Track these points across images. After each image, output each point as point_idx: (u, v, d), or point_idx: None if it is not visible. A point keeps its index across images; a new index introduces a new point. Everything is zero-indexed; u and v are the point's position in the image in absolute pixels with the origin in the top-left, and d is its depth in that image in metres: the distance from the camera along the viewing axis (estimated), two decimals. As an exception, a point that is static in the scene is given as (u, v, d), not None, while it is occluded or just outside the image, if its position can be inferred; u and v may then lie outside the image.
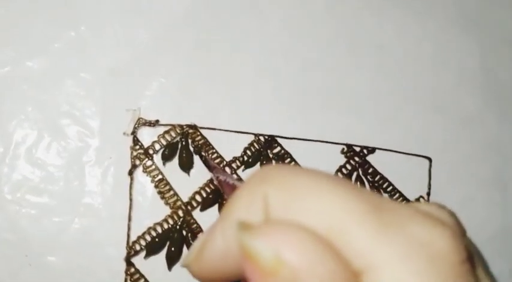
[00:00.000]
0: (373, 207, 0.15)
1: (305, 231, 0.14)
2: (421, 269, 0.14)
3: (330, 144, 0.36)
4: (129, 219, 0.32)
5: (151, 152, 0.34)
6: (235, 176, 0.21)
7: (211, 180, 0.34)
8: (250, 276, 0.13)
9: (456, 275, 0.14)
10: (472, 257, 0.16)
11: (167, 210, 0.33)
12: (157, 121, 0.34)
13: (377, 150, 0.37)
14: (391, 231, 0.14)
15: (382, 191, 0.37)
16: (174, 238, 0.33)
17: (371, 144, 0.37)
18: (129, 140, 0.33)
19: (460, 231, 0.16)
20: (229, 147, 0.35)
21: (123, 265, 0.32)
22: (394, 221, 0.14)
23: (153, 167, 0.34)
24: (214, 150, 0.35)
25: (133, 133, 0.34)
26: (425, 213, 0.15)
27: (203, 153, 0.33)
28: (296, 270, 0.13)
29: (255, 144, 0.35)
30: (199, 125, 0.34)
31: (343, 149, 0.37)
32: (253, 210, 0.15)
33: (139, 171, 0.33)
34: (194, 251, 0.17)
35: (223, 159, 0.35)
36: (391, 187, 0.37)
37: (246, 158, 0.35)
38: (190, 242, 0.33)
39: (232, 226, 0.15)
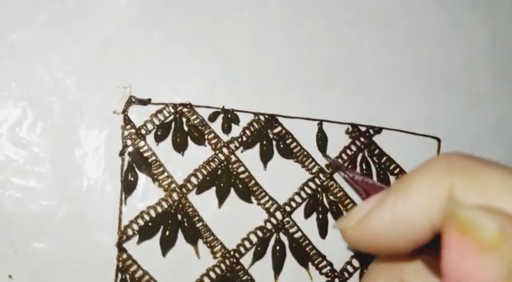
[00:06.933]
0: None
1: None
2: None
3: (333, 123, 0.34)
4: (121, 202, 0.31)
5: (143, 132, 0.32)
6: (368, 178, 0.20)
7: (207, 162, 0.32)
8: (453, 250, 0.14)
9: None
10: None
11: (161, 193, 0.31)
12: (149, 100, 0.32)
13: (383, 130, 0.35)
14: None
15: (388, 173, 0.35)
16: (168, 222, 0.31)
17: (377, 124, 0.35)
18: (120, 119, 0.31)
19: None
20: (227, 127, 0.33)
21: (115, 251, 0.30)
22: None
23: (146, 148, 0.32)
24: (210, 130, 0.33)
25: (124, 112, 0.32)
26: None
27: (327, 154, 0.33)
28: None
29: (254, 123, 0.33)
30: (194, 103, 0.32)
31: (348, 129, 0.35)
32: (434, 197, 0.16)
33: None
34: (355, 217, 0.18)
35: (220, 140, 0.33)
36: (398, 169, 0.35)
37: (245, 138, 0.33)
38: (186, 226, 0.31)
39: (406, 202, 0.16)
